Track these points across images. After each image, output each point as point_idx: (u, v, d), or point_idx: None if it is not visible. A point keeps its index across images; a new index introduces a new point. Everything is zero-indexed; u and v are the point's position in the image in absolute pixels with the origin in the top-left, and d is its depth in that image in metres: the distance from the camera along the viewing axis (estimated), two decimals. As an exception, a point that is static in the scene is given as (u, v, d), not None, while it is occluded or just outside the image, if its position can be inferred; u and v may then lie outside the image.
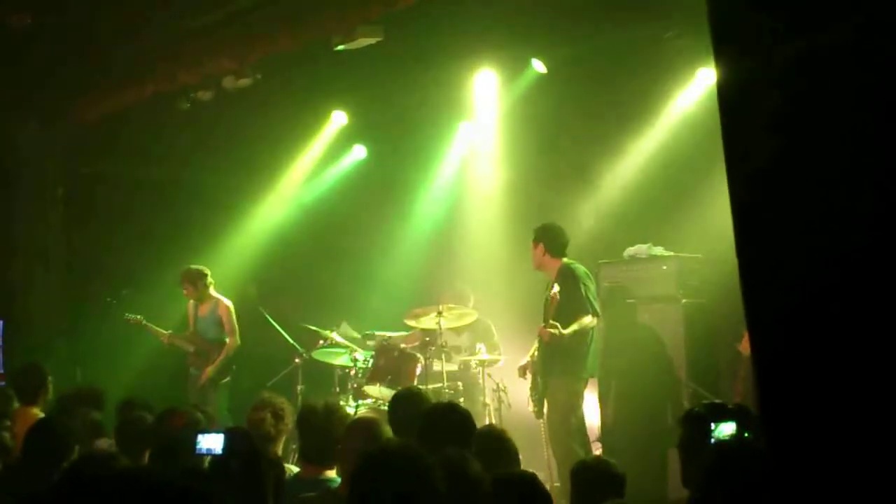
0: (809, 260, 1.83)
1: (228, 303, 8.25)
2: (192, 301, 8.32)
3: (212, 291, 8.25)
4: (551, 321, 6.36)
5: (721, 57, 2.03)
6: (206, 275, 8.19)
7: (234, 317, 8.22)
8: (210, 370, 8.02)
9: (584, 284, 6.55)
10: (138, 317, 8.22)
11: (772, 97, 1.90)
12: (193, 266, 8.23)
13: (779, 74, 1.88)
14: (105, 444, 4.58)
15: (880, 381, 1.74)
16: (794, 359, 1.86)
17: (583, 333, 6.48)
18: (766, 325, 1.93)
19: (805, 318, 1.84)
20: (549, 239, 6.73)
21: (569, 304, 6.43)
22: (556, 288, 6.36)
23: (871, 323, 1.74)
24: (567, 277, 6.53)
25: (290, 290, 9.32)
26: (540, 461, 7.12)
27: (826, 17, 1.80)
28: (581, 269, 6.67)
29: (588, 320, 6.45)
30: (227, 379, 8.14)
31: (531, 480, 2.98)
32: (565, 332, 6.34)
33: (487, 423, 7.11)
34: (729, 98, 2.01)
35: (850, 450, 1.76)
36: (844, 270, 1.77)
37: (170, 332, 8.29)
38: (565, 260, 6.71)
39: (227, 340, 8.15)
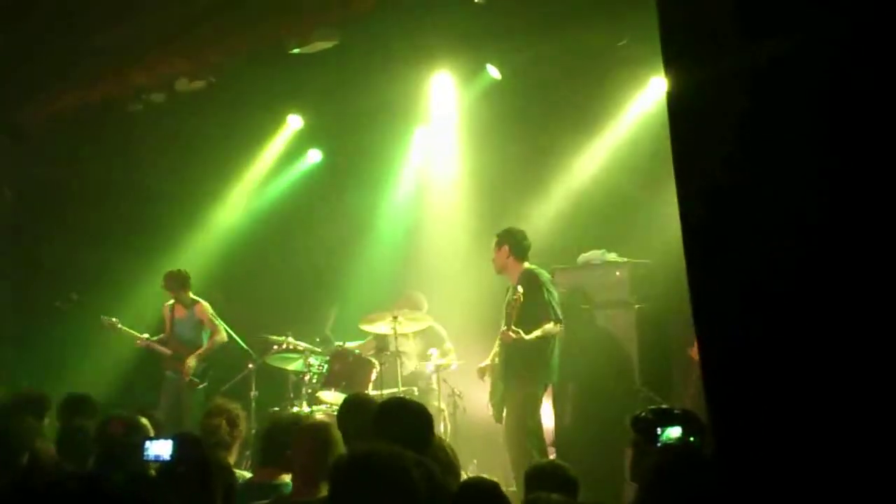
0: (756, 266, 1.86)
1: (205, 303, 8.27)
2: (168, 303, 8.24)
3: (190, 294, 8.26)
4: (513, 326, 6.37)
5: (670, 67, 2.06)
6: (189, 277, 8.24)
7: (213, 314, 8.24)
8: (191, 360, 7.97)
9: (548, 291, 6.59)
10: (113, 319, 8.13)
11: (719, 106, 1.93)
12: (179, 269, 8.25)
13: (726, 84, 1.91)
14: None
15: (823, 383, 1.77)
16: (740, 363, 1.89)
17: (545, 339, 6.51)
18: (712, 330, 1.96)
19: (751, 323, 1.86)
20: (514, 242, 6.75)
21: (532, 309, 6.44)
22: (521, 289, 6.36)
23: (815, 328, 1.78)
24: (531, 282, 6.54)
25: (244, 294, 9.23)
26: (496, 465, 7.14)
27: (773, 29, 1.84)
28: (545, 275, 6.70)
29: (551, 327, 6.48)
30: (205, 384, 8.07)
31: (494, 488, 2.98)
32: (527, 336, 6.36)
33: (442, 427, 7.12)
34: (677, 107, 2.04)
35: (796, 451, 1.79)
36: (791, 277, 1.80)
37: (146, 336, 8.21)
38: (528, 265, 6.74)
39: (213, 337, 8.15)
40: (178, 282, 8.19)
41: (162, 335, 8.29)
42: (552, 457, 6.61)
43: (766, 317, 1.84)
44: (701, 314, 1.96)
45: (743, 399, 1.87)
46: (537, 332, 6.40)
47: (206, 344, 8.17)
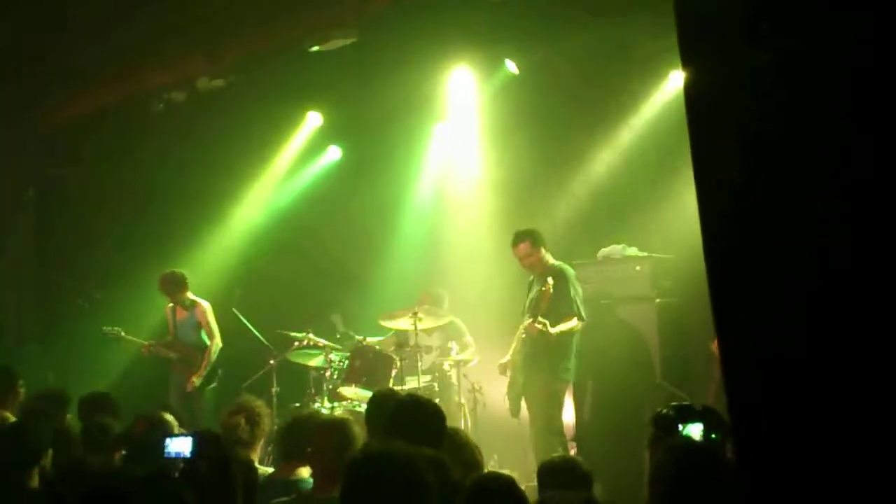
0: (778, 268, 1.84)
1: (206, 304, 8.17)
2: (169, 305, 8.22)
3: (189, 294, 8.17)
4: (540, 318, 6.37)
5: (688, 62, 2.03)
6: (185, 278, 8.12)
7: (212, 318, 8.12)
8: (195, 379, 7.91)
9: (574, 288, 6.61)
10: (116, 329, 8.10)
11: (738, 102, 1.90)
12: (173, 270, 8.15)
13: (745, 79, 1.89)
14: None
15: (847, 385, 1.75)
16: (762, 364, 1.86)
17: (568, 335, 6.53)
18: (734, 330, 1.93)
19: (773, 322, 1.84)
20: (544, 240, 6.78)
21: (557, 305, 6.46)
22: (551, 282, 6.35)
23: (841, 327, 1.75)
24: (560, 278, 6.55)
25: (265, 291, 9.28)
26: (515, 460, 7.14)
27: (794, 22, 1.82)
28: (571, 271, 6.73)
29: (574, 323, 6.51)
30: (214, 384, 8.05)
31: (510, 484, 2.98)
32: (553, 330, 6.35)
33: (462, 422, 7.13)
34: (696, 102, 2.02)
35: (818, 454, 1.77)
36: (813, 275, 1.78)
37: (150, 341, 8.15)
38: (554, 261, 6.77)
39: (210, 345, 8.05)
40: (172, 284, 8.08)
41: (168, 337, 8.22)
42: (573, 452, 6.61)
43: (789, 318, 1.81)
44: (722, 316, 1.93)
45: (765, 404, 1.85)
46: (562, 327, 6.41)
47: (208, 345, 8.06)
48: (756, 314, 1.87)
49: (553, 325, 6.39)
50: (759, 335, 1.87)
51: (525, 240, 6.75)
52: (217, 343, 8.08)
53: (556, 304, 6.45)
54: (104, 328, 8.09)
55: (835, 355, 1.76)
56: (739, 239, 1.90)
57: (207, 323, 8.10)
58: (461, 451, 3.69)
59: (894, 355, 1.70)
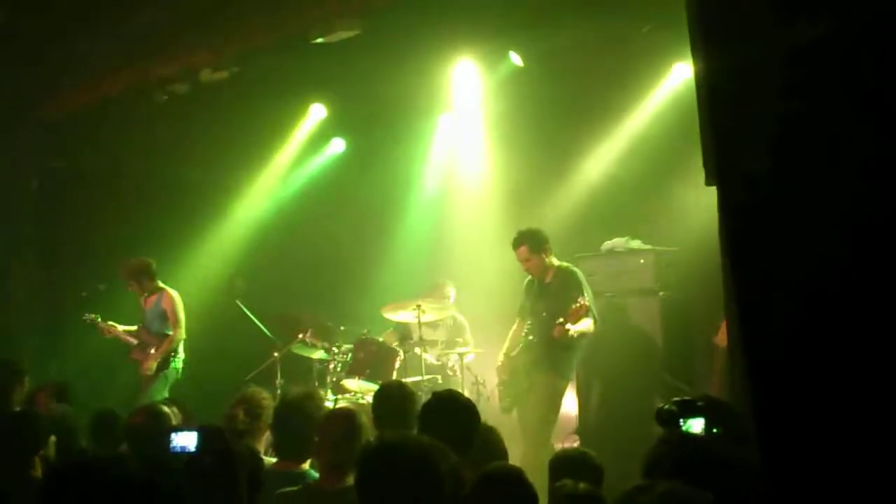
0: (803, 260, 1.82)
1: (174, 293, 8.00)
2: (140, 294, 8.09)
3: (157, 283, 8.03)
4: (562, 319, 6.27)
5: (702, 51, 2.01)
6: (148, 266, 7.99)
7: (179, 308, 7.95)
8: (151, 362, 7.78)
9: (588, 290, 6.54)
10: (95, 316, 8.02)
11: (758, 91, 1.88)
12: (135, 259, 8.03)
13: (773, 66, 1.86)
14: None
15: (871, 382, 1.74)
16: (787, 362, 1.85)
17: (584, 338, 6.48)
18: (757, 326, 1.91)
19: (798, 318, 1.82)
20: (544, 243, 6.68)
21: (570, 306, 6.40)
22: (582, 300, 6.23)
23: (868, 326, 1.73)
24: (571, 282, 6.52)
25: (268, 283, 9.28)
26: (518, 453, 7.14)
27: (811, 10, 1.80)
28: (581, 273, 6.65)
29: (590, 324, 6.42)
30: (165, 371, 7.86)
31: (518, 476, 2.98)
32: (573, 328, 6.25)
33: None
34: (714, 93, 1.98)
35: (842, 452, 1.76)
36: (839, 270, 1.76)
37: (115, 325, 8.02)
38: (559, 262, 6.71)
39: (171, 332, 7.91)
40: (131, 272, 7.96)
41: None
42: (576, 444, 6.61)
43: (815, 315, 1.79)
44: (745, 315, 1.90)
45: (788, 400, 1.83)
46: (581, 327, 6.32)
47: (170, 333, 7.91)
48: (778, 308, 1.85)
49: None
50: (780, 329, 1.84)
51: (523, 244, 6.63)
52: (181, 333, 7.92)
53: (569, 307, 6.35)
54: (84, 315, 8.02)
55: (858, 352, 1.74)
56: (761, 232, 1.88)
57: (174, 312, 7.92)
58: (492, 452, 3.67)
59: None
